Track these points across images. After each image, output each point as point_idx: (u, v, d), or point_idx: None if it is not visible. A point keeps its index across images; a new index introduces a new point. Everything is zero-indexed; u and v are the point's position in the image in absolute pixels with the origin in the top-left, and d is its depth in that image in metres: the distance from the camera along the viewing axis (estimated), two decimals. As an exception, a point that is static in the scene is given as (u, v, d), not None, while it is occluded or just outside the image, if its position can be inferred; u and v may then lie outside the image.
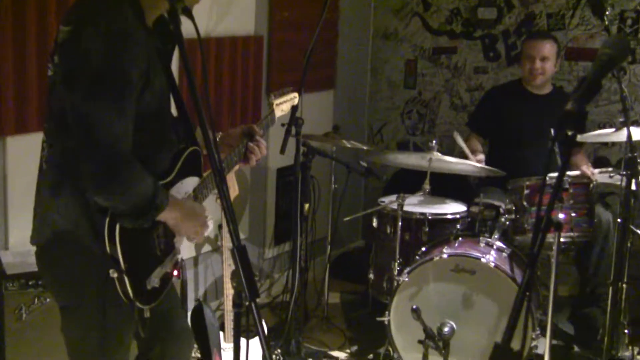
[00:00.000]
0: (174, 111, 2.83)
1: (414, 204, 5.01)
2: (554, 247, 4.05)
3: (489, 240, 4.53)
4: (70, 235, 2.57)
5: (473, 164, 4.83)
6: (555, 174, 4.37)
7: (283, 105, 3.48)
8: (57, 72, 2.54)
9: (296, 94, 3.60)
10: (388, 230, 4.95)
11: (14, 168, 3.94)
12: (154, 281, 2.66)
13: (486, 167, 4.84)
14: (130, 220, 2.52)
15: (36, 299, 3.71)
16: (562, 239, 4.37)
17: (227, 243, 4.21)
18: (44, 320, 3.71)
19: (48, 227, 2.61)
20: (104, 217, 2.50)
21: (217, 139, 3.08)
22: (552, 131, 4.03)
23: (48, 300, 3.70)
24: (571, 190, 4.56)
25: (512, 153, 5.31)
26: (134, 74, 2.45)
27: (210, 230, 2.85)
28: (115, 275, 2.52)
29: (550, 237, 4.15)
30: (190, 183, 2.83)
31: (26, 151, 3.91)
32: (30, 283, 3.70)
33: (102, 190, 2.44)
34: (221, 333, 4.24)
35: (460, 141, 4.93)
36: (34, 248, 2.73)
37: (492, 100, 5.53)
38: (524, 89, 5.38)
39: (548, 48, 5.21)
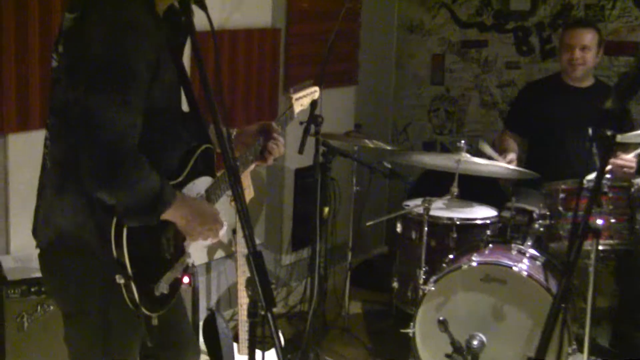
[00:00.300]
0: (185, 107, 2.83)
1: (441, 208, 5.00)
2: (592, 256, 4.02)
3: (522, 247, 4.51)
4: (74, 238, 2.58)
5: (504, 165, 4.81)
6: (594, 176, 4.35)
7: (303, 100, 3.48)
8: (61, 64, 2.55)
9: (317, 88, 3.59)
10: (413, 236, 4.94)
11: (16, 167, 3.96)
12: (163, 287, 2.66)
13: (518, 168, 4.82)
14: (135, 219, 2.52)
15: (39, 307, 3.73)
16: (600, 247, 4.34)
17: (241, 248, 4.21)
18: (47, 330, 3.73)
19: (51, 229, 2.62)
20: (110, 219, 2.51)
21: (232, 137, 3.08)
22: (590, 130, 4.00)
23: (51, 307, 3.72)
24: (610, 195, 4.51)
25: (550, 153, 5.28)
26: (141, 66, 2.44)
27: (223, 233, 2.84)
28: (122, 281, 2.52)
29: (587, 245, 4.12)
30: (202, 184, 2.83)
31: (29, 149, 3.93)
32: (32, 290, 3.72)
33: (104, 187, 2.44)
34: (235, 345, 4.24)
35: (488, 150, 4.90)
36: (37, 252, 2.73)
37: (530, 95, 5.50)
38: (563, 82, 5.34)
39: (589, 37, 5.17)
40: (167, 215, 2.58)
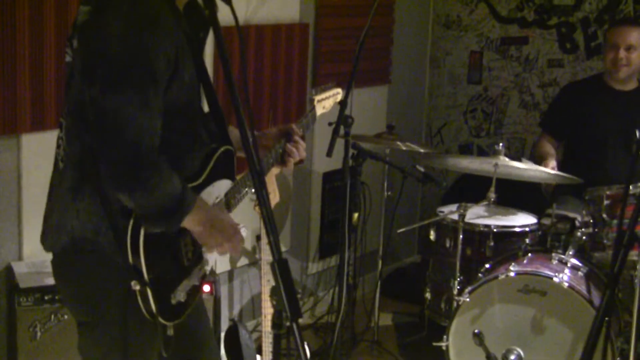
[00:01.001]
0: (204, 107, 2.84)
1: (478, 215, 4.99)
2: (639, 266, 4.01)
3: (563, 257, 4.50)
4: (89, 243, 2.59)
5: (545, 170, 4.79)
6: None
7: (325, 102, 3.49)
8: (76, 59, 2.55)
9: (339, 90, 3.60)
10: (447, 244, 4.94)
11: (30, 169, 3.99)
12: (180, 295, 2.67)
13: (560, 173, 4.81)
14: (154, 224, 2.53)
15: (52, 316, 3.75)
16: (647, 257, 4.32)
17: (266, 256, 4.22)
18: (61, 340, 3.75)
19: (65, 233, 2.62)
20: (127, 222, 2.52)
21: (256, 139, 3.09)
22: (638, 133, 3.98)
23: (65, 316, 3.74)
24: (659, 201, 4.50)
25: (591, 158, 5.26)
26: (161, 63, 2.45)
27: (245, 240, 2.84)
28: (137, 287, 2.53)
29: (633, 255, 4.11)
30: (222, 187, 2.84)
31: (43, 150, 3.95)
32: (45, 298, 3.74)
33: (123, 190, 2.45)
34: (258, 357, 4.25)
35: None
36: (50, 257, 2.75)
37: (569, 98, 5.48)
38: (605, 84, 5.32)
39: (635, 36, 5.15)
40: (186, 222, 2.59)
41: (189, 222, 2.61)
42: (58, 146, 2.70)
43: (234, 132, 2.89)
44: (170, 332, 2.67)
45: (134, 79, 2.41)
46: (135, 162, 2.42)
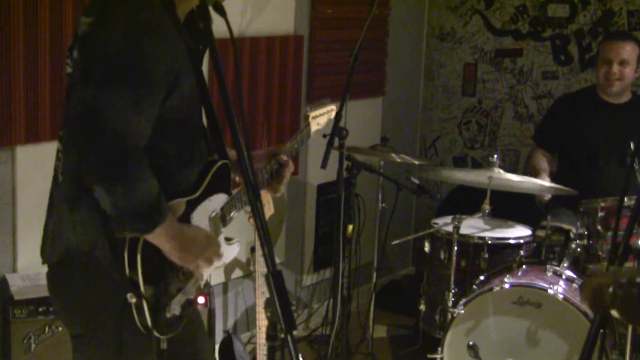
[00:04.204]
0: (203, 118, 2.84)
1: (472, 227, 5.00)
2: (633, 278, 4.01)
3: (558, 269, 4.50)
4: (85, 256, 2.58)
5: (539, 182, 4.80)
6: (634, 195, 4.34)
7: (319, 119, 3.51)
8: (77, 68, 2.55)
9: (334, 107, 3.62)
10: (442, 256, 4.94)
11: (24, 181, 3.99)
12: (174, 308, 2.67)
13: (555, 185, 4.81)
14: (128, 225, 2.48)
15: (46, 328, 3.75)
16: (641, 269, 4.32)
17: (260, 268, 4.22)
18: (55, 352, 3.75)
19: (60, 245, 2.63)
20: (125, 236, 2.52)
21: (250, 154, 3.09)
22: (632, 145, 4.00)
23: (60, 329, 3.73)
24: (653, 213, 4.50)
25: (584, 170, 5.28)
26: (159, 69, 2.45)
27: (220, 263, 2.80)
28: (133, 300, 2.52)
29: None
30: (218, 200, 2.84)
31: (38, 162, 3.96)
32: (40, 310, 3.74)
33: (103, 183, 2.42)
34: (252, 369, 4.25)
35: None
36: (45, 269, 2.74)
37: (562, 110, 5.49)
38: (598, 98, 5.33)
39: (628, 50, 5.15)
40: (157, 236, 2.54)
41: (160, 237, 2.56)
42: (58, 159, 2.70)
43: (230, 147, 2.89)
44: (164, 345, 2.67)
45: (130, 81, 2.40)
46: (119, 154, 2.39)
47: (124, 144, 2.40)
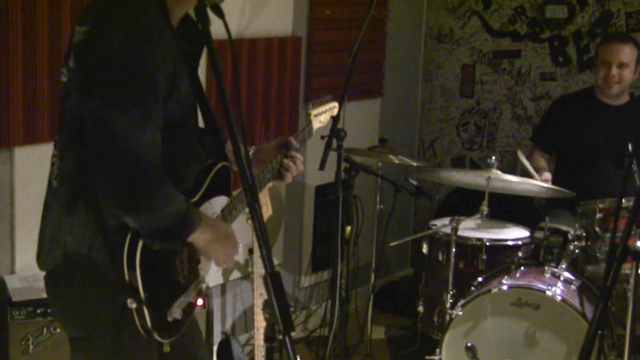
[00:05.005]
0: (200, 122, 2.84)
1: (470, 228, 4.99)
2: (632, 280, 4.01)
3: (556, 270, 4.50)
4: (83, 259, 2.58)
5: (538, 183, 4.80)
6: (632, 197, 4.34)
7: (321, 117, 3.50)
8: (72, 78, 2.54)
9: (336, 104, 3.60)
10: (440, 258, 4.94)
11: (23, 182, 3.99)
12: (176, 312, 2.66)
13: (553, 187, 4.81)
14: (160, 242, 2.52)
15: (44, 329, 3.75)
16: (640, 270, 4.33)
17: (258, 269, 4.22)
18: (53, 354, 3.74)
19: (59, 249, 2.62)
20: (123, 239, 2.51)
21: (250, 154, 3.09)
22: (630, 146, 4.00)
23: (58, 330, 3.73)
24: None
25: (583, 171, 5.27)
26: (160, 77, 2.45)
27: (239, 254, 2.85)
28: (134, 305, 2.52)
29: (626, 268, 4.11)
30: (218, 203, 2.84)
31: (36, 163, 3.96)
32: (38, 311, 3.73)
33: (127, 210, 2.44)
34: (250, 371, 4.25)
35: (524, 160, 4.90)
36: (43, 272, 2.74)
37: (560, 112, 5.49)
38: (597, 99, 5.33)
39: (627, 52, 5.15)
40: (190, 237, 2.60)
41: (196, 239, 2.63)
42: (52, 164, 2.69)
43: (230, 148, 2.89)
44: (167, 349, 2.67)
45: (134, 92, 2.40)
46: (138, 180, 2.41)
47: (142, 170, 2.41)
